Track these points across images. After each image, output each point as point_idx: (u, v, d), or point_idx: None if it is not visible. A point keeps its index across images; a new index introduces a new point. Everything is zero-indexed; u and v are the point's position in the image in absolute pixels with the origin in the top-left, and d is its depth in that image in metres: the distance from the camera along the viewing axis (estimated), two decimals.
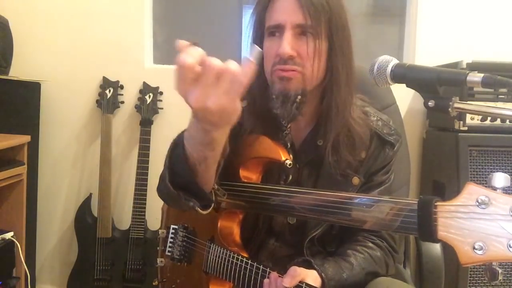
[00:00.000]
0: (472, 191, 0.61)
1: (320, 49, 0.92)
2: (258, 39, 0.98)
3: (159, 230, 1.20)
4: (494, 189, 0.59)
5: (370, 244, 1.01)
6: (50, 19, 2.15)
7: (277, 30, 0.93)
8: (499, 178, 0.59)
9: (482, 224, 0.59)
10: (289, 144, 1.00)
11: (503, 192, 0.59)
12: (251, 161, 0.98)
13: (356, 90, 1.00)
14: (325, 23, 0.92)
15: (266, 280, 0.88)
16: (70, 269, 2.08)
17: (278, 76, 0.92)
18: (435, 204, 0.64)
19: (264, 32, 0.97)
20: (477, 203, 0.60)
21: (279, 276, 0.86)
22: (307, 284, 0.84)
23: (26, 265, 1.76)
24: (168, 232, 1.14)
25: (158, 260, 1.19)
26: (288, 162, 0.92)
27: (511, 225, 0.57)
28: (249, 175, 0.99)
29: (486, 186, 0.60)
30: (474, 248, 0.59)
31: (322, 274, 0.89)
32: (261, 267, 0.90)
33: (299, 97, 0.92)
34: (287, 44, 0.90)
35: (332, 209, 0.81)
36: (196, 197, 0.85)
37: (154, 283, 1.22)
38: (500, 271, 0.60)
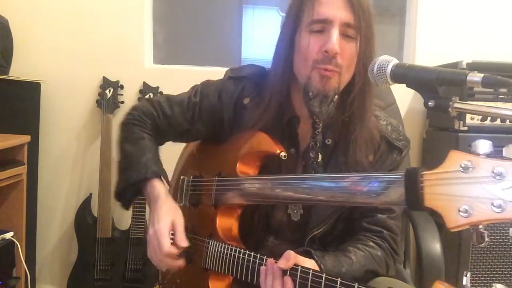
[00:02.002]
0: (455, 157, 0.62)
1: (356, 52, 0.92)
2: (292, 34, 0.95)
3: None
4: (477, 155, 0.60)
5: (371, 244, 1.01)
6: (50, 19, 2.15)
7: (324, 26, 0.91)
8: (483, 144, 0.61)
9: (466, 188, 0.60)
10: (318, 144, 1.00)
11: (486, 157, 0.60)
12: (247, 155, 0.99)
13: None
14: (366, 27, 0.92)
15: (262, 267, 0.88)
16: (70, 269, 2.08)
17: (319, 74, 0.91)
18: (421, 173, 0.65)
19: (300, 26, 0.94)
20: (461, 168, 0.61)
21: (275, 262, 0.86)
22: (302, 267, 0.84)
23: (26, 265, 1.76)
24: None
25: None
26: (283, 154, 0.94)
27: (493, 187, 0.58)
28: (246, 169, 1.00)
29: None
30: (459, 211, 0.60)
31: (321, 265, 0.90)
32: (258, 255, 0.91)
33: (336, 96, 0.93)
34: (336, 42, 0.89)
35: (340, 194, 0.82)
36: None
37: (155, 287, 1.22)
38: (486, 233, 0.61)
